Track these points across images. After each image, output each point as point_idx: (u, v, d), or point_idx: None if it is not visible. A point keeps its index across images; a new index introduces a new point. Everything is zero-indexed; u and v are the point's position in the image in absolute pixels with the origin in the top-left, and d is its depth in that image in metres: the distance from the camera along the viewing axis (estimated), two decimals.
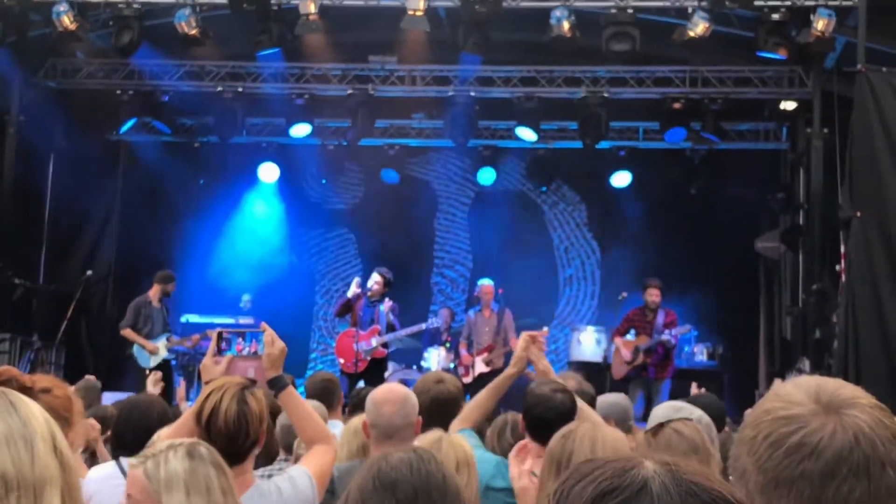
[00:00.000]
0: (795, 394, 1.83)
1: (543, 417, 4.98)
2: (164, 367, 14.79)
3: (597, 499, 1.54)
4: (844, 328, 12.16)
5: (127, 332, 15.12)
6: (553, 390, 5.16)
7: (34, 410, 2.86)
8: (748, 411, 8.09)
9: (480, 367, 15.49)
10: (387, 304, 15.01)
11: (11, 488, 2.73)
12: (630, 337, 15.16)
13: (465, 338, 16.03)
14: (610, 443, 4.05)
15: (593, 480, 1.58)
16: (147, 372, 14.02)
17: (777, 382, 10.76)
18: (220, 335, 5.09)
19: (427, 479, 2.97)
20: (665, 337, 14.76)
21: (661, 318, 15.09)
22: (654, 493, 1.51)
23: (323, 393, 7.50)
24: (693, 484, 1.54)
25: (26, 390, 4.41)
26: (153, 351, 15.02)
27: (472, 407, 5.69)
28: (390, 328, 14.92)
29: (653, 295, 15.11)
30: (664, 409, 4.77)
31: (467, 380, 15.31)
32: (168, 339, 15.23)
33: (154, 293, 15.43)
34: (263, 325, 5.15)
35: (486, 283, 16.35)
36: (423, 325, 15.49)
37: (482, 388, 6.02)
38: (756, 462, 1.80)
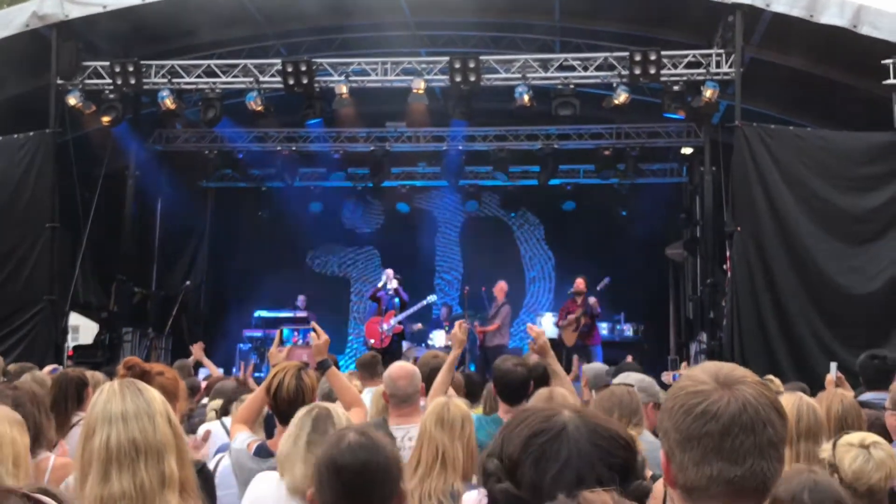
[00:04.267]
0: (701, 375, 1.83)
1: (508, 384, 5.01)
2: None
3: (530, 437, 1.64)
4: (731, 310, 12.16)
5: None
6: (514, 365, 5.17)
7: (154, 394, 2.91)
8: (664, 374, 8.07)
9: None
10: (394, 283, 15.19)
11: (141, 452, 2.75)
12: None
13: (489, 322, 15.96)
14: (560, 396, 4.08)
15: (528, 425, 1.67)
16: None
17: (684, 366, 10.71)
18: (281, 332, 5.10)
19: (366, 464, 2.84)
20: (591, 300, 14.77)
21: (589, 302, 15.05)
22: (570, 432, 1.63)
23: (366, 365, 7.44)
24: (597, 425, 1.66)
25: (146, 373, 4.41)
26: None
27: (439, 383, 5.54)
28: (403, 305, 15.02)
29: (578, 284, 15.18)
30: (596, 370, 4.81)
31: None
32: None
33: None
34: (313, 323, 5.15)
35: (501, 282, 16.09)
36: (425, 301, 15.77)
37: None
38: (674, 424, 1.80)
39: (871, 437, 3.70)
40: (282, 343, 4.95)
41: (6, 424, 3.28)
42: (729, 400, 1.75)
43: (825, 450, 3.78)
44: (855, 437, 3.70)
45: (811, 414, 3.98)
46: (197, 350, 10.21)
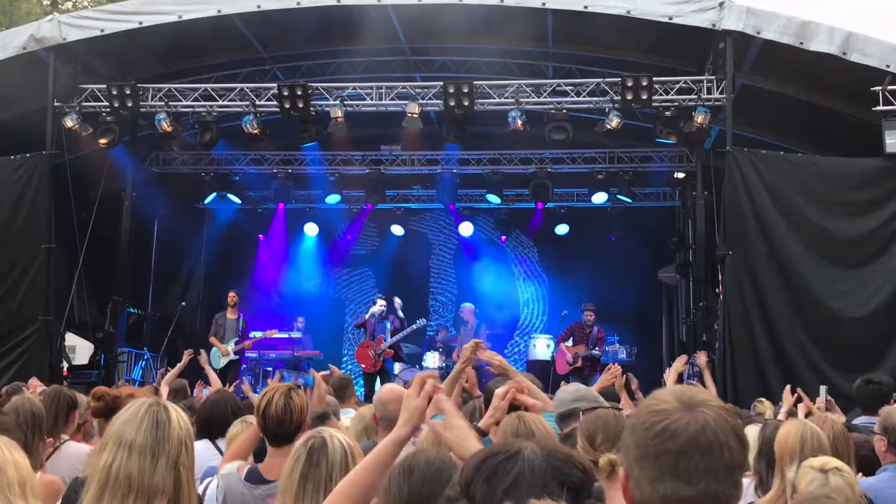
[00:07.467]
0: (665, 396, 1.83)
1: None
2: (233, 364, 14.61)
3: (486, 458, 1.69)
4: (723, 333, 12.16)
5: (211, 339, 15.01)
6: None
7: (173, 432, 2.75)
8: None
9: None
10: (391, 320, 15.17)
11: (133, 489, 2.66)
12: (570, 343, 15.13)
13: (458, 345, 16.12)
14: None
15: (487, 450, 1.74)
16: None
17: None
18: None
19: (437, 472, 2.73)
20: (596, 352, 14.78)
21: (595, 333, 15.05)
22: (526, 455, 1.66)
23: (339, 388, 7.40)
24: (555, 449, 1.69)
25: (117, 399, 4.34)
26: (224, 353, 14.78)
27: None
28: (395, 332, 14.98)
29: (588, 315, 15.14)
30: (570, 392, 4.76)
31: None
32: (234, 344, 14.97)
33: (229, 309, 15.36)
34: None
35: (466, 305, 16.38)
36: (415, 325, 15.54)
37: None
38: (634, 441, 1.80)
39: (834, 463, 3.67)
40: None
41: (5, 450, 3.22)
42: (689, 421, 1.75)
43: (791, 470, 3.76)
44: (817, 460, 3.67)
45: (815, 439, 3.96)
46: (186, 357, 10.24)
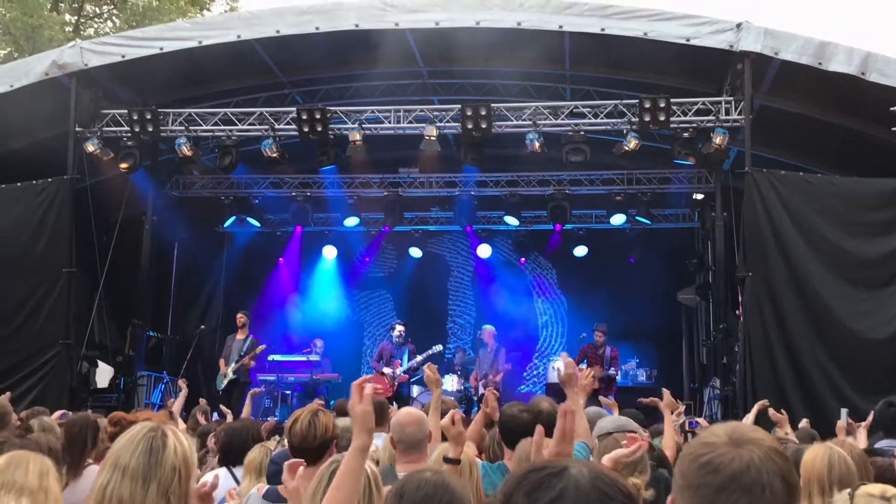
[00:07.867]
0: (718, 430, 1.85)
1: (512, 430, 4.97)
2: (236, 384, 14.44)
3: (529, 472, 1.70)
4: (743, 355, 12.09)
5: (220, 362, 14.99)
6: (520, 411, 5.12)
7: (167, 459, 2.73)
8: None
9: (481, 390, 15.47)
10: (410, 347, 15.15)
11: None
12: (583, 366, 15.09)
13: (477, 367, 16.06)
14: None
15: (531, 465, 1.75)
16: (218, 393, 14.06)
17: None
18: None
19: (427, 498, 2.79)
20: (611, 372, 14.77)
21: (608, 353, 15.06)
22: (573, 473, 1.67)
23: (377, 413, 7.39)
24: (601, 471, 1.70)
25: (131, 422, 4.39)
26: (224, 373, 14.71)
27: (432, 427, 5.44)
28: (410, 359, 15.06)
29: (598, 336, 15.17)
30: (610, 421, 4.76)
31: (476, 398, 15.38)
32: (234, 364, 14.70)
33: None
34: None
35: (486, 327, 16.37)
36: (431, 351, 15.42)
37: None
38: (681, 471, 1.83)
39: (892, 491, 3.63)
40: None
41: (51, 478, 3.25)
42: (734, 457, 1.76)
43: (842, 500, 3.71)
44: (875, 488, 3.63)
45: (843, 463, 3.96)
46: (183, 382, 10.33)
